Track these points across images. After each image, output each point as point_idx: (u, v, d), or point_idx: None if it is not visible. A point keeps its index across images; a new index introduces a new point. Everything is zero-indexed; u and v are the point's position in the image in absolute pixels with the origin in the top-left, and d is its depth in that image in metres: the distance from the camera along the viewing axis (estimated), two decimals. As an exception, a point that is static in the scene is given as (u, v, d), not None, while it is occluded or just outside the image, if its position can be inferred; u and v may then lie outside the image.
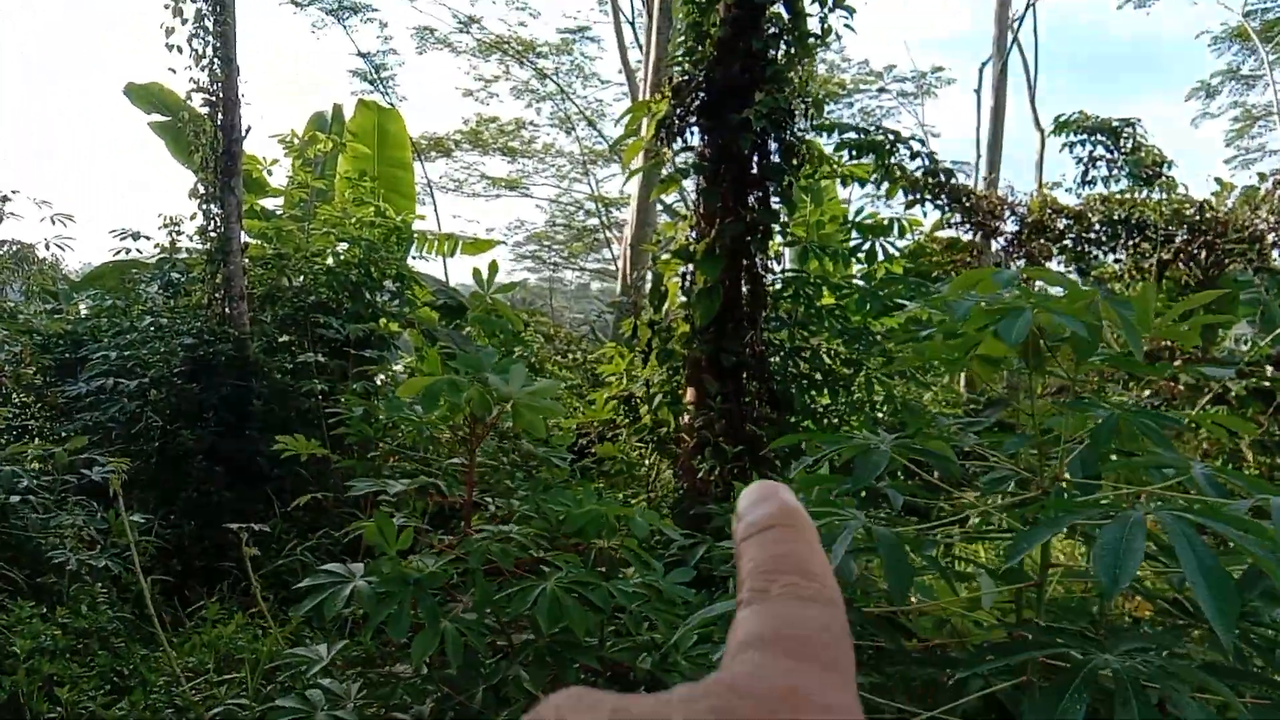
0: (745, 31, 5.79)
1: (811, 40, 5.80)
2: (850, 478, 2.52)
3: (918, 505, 2.62)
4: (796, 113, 5.86)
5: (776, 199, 5.91)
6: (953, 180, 6.38)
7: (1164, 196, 6.97)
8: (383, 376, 8.55)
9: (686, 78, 5.98)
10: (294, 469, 6.91)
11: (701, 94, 5.89)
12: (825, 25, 5.80)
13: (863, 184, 6.16)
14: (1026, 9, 17.25)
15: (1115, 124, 9.06)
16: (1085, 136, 9.24)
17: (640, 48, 18.44)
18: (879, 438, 2.01)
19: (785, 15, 5.88)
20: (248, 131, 8.31)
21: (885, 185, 6.40)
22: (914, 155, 6.16)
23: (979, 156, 16.55)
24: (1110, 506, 1.44)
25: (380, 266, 9.16)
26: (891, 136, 6.10)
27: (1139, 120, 9.19)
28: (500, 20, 22.64)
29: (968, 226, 6.59)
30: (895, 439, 2.00)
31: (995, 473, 2.16)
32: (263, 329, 8.20)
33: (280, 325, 8.45)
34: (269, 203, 10.90)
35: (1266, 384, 4.73)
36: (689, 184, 6.29)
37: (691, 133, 6.07)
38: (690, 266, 5.85)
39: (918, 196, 6.27)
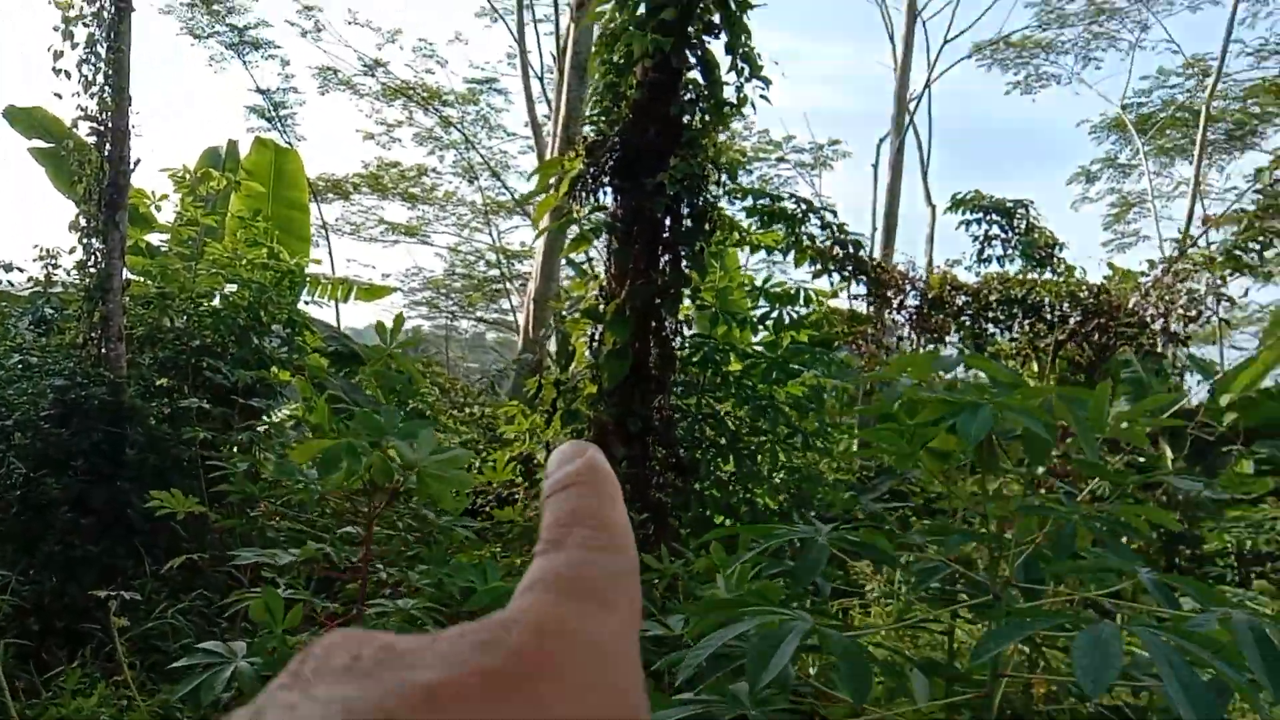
0: (662, 95, 5.79)
1: (727, 109, 5.83)
2: (769, 561, 2.41)
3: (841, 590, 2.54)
4: (710, 178, 5.86)
5: (687, 263, 5.88)
6: (860, 252, 6.48)
7: (1057, 278, 7.20)
8: (266, 425, 8.17)
9: (601, 138, 5.93)
10: (168, 523, 6.48)
11: (616, 154, 5.85)
12: (741, 94, 5.84)
13: (769, 251, 6.19)
14: (924, 90, 17.99)
15: (1009, 204, 9.40)
16: (980, 215, 9.53)
17: (548, 103, 18.50)
18: (814, 529, 1.91)
19: (702, 82, 5.90)
20: (137, 164, 7.92)
21: (792, 254, 6.44)
22: (824, 225, 6.23)
23: (874, 229, 17.04)
24: (1069, 616, 1.37)
25: (271, 310, 8.81)
26: (804, 206, 6.17)
27: (1031, 202, 9.55)
28: (407, 66, 22.47)
29: (871, 298, 6.69)
30: (831, 530, 1.91)
31: (924, 563, 2.09)
32: (140, 372, 7.74)
33: (160, 368, 8.00)
34: (154, 238, 10.43)
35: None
36: (599, 243, 6.22)
37: (604, 192, 6.02)
38: (599, 327, 5.75)
39: (824, 266, 6.34)
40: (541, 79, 17.90)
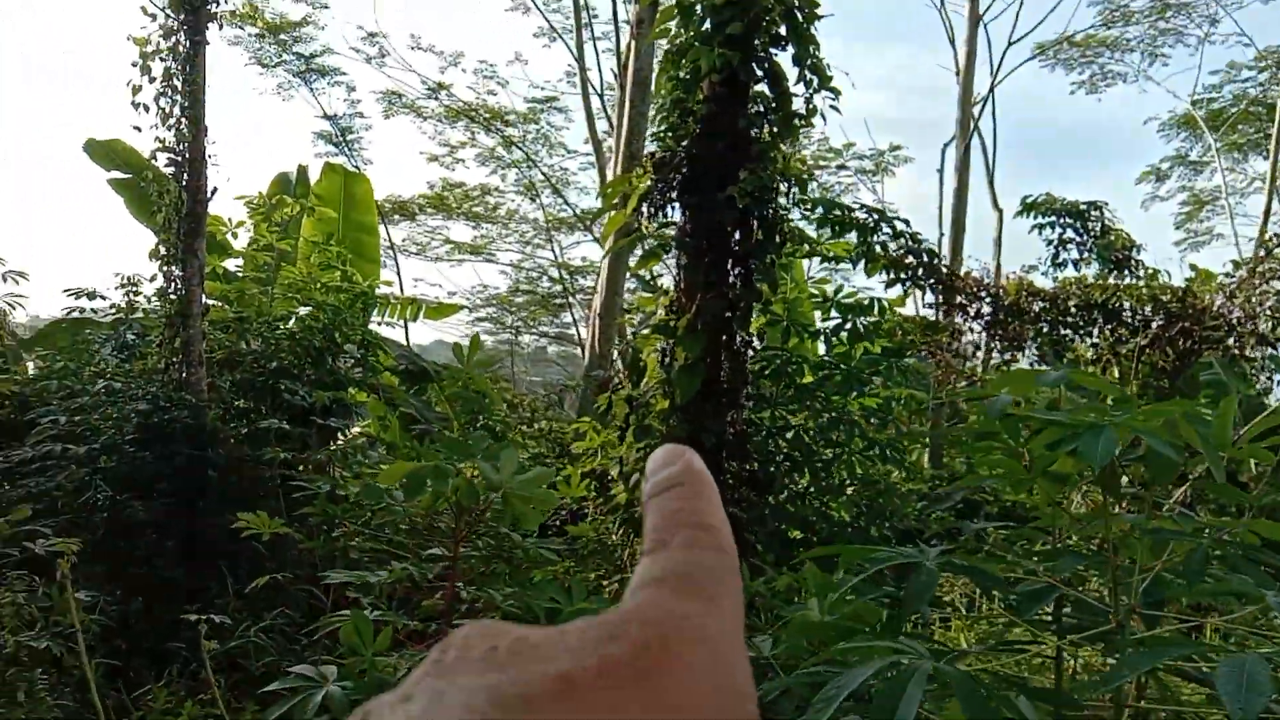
0: (730, 109, 5.77)
1: (796, 121, 5.79)
2: (863, 583, 2.38)
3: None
4: (779, 190, 5.82)
5: (757, 276, 5.84)
6: (935, 261, 6.38)
7: (1137, 281, 7.01)
8: (343, 444, 8.29)
9: (669, 153, 5.93)
10: (250, 543, 6.60)
11: (684, 169, 5.84)
12: (810, 106, 5.80)
13: (840, 262, 6.12)
14: (989, 93, 17.72)
15: (1082, 206, 9.18)
16: (1054, 219, 9.33)
17: (609, 119, 18.59)
18: (922, 553, 1.87)
19: (770, 94, 5.87)
20: (213, 193, 8.12)
21: (862, 263, 6.37)
22: (896, 235, 6.15)
23: (941, 234, 16.78)
24: (1202, 646, 1.32)
25: (345, 332, 8.96)
26: (875, 216, 6.10)
27: (1105, 204, 9.32)
28: (469, 88, 22.78)
29: (945, 306, 6.58)
30: (939, 555, 1.86)
31: (1028, 585, 2.02)
32: (220, 395, 7.92)
33: (239, 391, 8.18)
34: (231, 264, 10.68)
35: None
36: (667, 258, 6.21)
37: (673, 207, 6.01)
38: (670, 342, 5.73)
39: (897, 275, 6.25)
40: (601, 96, 18.03)
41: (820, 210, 6.07)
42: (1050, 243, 9.24)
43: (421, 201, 23.17)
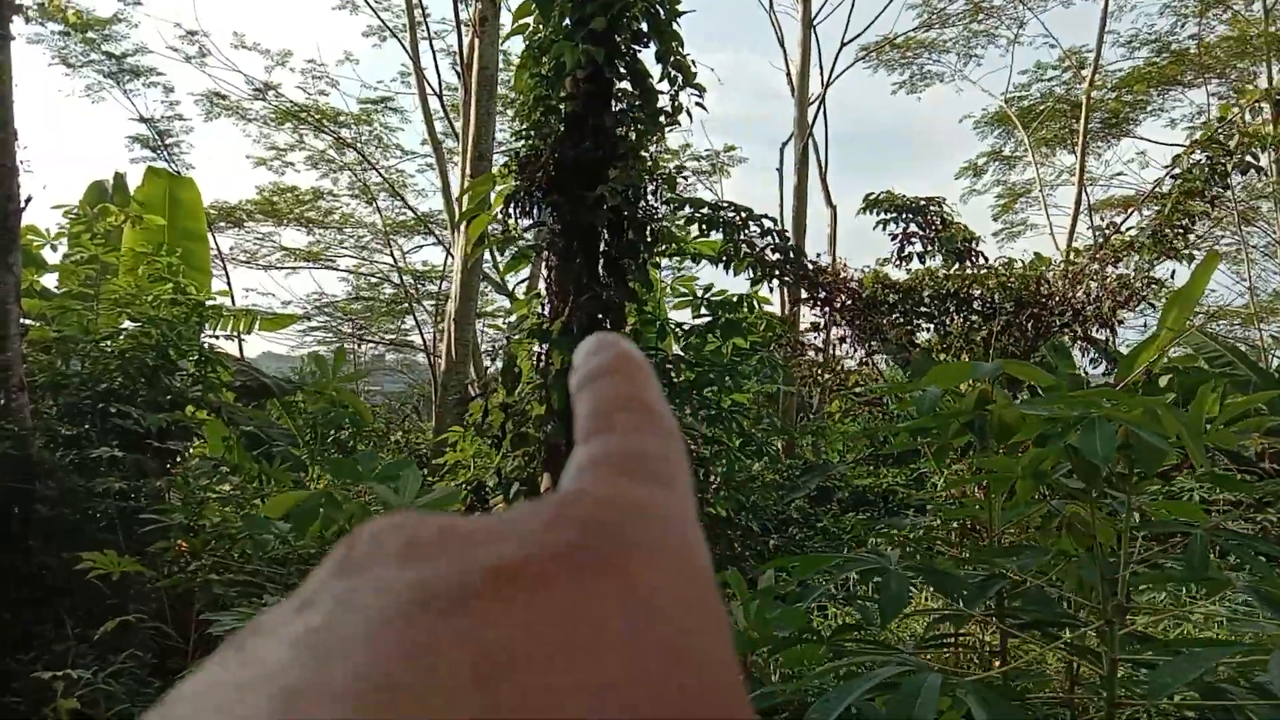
0: (595, 107, 5.66)
1: (662, 118, 5.73)
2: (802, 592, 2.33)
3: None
4: (648, 189, 5.75)
5: (631, 276, 5.75)
6: (801, 257, 6.45)
7: (983, 270, 7.30)
8: (182, 469, 7.74)
9: (534, 153, 5.77)
10: (89, 582, 6.05)
11: (551, 169, 5.69)
12: (675, 103, 5.75)
13: (710, 260, 6.12)
14: (823, 93, 18.24)
15: (921, 202, 9.52)
16: (895, 214, 9.63)
17: (447, 119, 18.16)
18: (884, 559, 1.80)
19: (634, 91, 5.79)
20: (28, 202, 7.43)
21: (729, 261, 6.38)
22: (765, 232, 6.18)
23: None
24: (1232, 646, 1.29)
25: (180, 348, 8.38)
26: (744, 214, 6.11)
27: (943, 200, 9.70)
28: (299, 89, 21.73)
29: (811, 301, 6.68)
30: (901, 561, 1.80)
31: (975, 576, 2.00)
32: (46, 422, 7.24)
33: (65, 416, 7.50)
34: (47, 279, 9.82)
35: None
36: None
37: (539, 208, 5.85)
38: (545, 346, 5.57)
39: (764, 273, 6.29)
40: (441, 96, 17.58)
41: (688, 209, 6.04)
42: (895, 237, 9.51)
43: (250, 207, 22.03)
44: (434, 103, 17.75)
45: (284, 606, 0.23)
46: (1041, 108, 25.89)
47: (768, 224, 6.21)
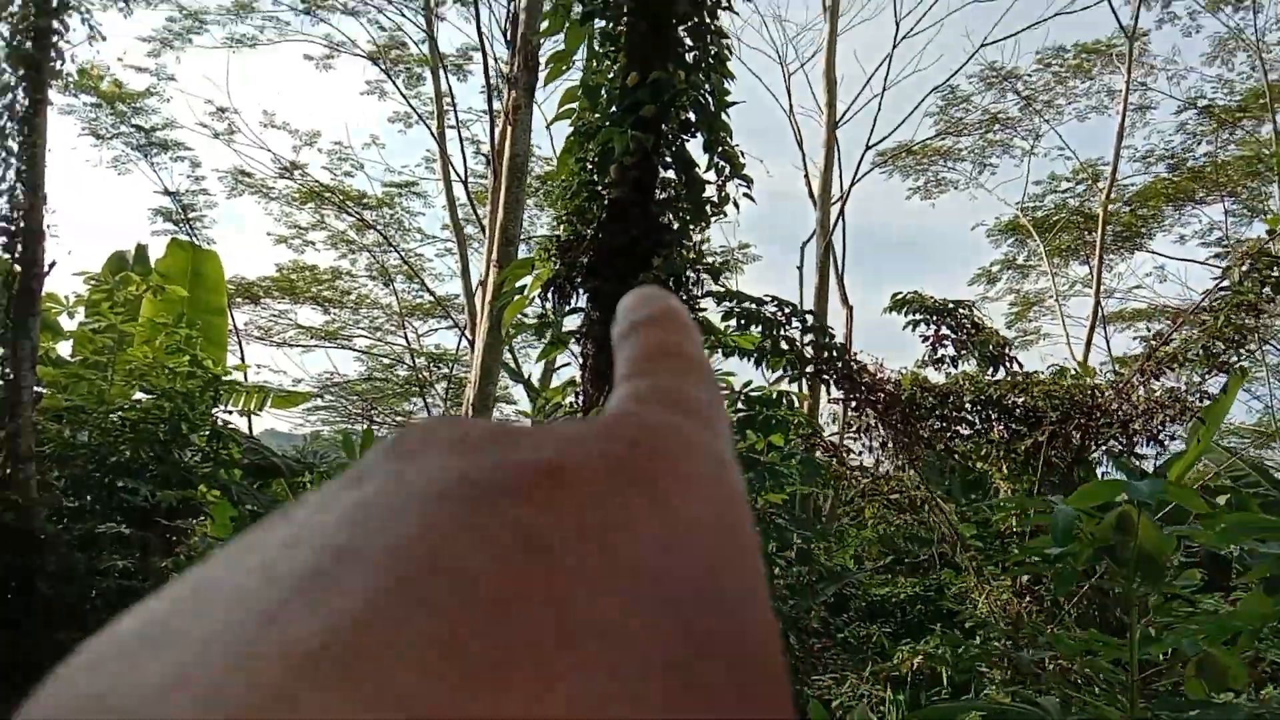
0: (641, 194, 5.54)
1: (708, 207, 5.61)
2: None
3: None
4: (690, 280, 5.61)
5: (668, 368, 5.56)
6: (846, 356, 6.28)
7: (1025, 377, 7.11)
8: (188, 551, 7.48)
9: (575, 237, 5.64)
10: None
11: (592, 255, 5.55)
12: (723, 194, 5.64)
13: (749, 356, 5.95)
14: (845, 195, 18.39)
15: (950, 305, 9.39)
16: (926, 316, 9.49)
17: (471, 205, 18.28)
18: (1042, 709, 1.56)
19: (680, 180, 5.69)
20: (51, 267, 7.32)
21: (767, 358, 6.20)
22: (807, 329, 6.02)
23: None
24: None
25: (193, 422, 8.18)
26: (788, 309, 5.96)
27: (973, 303, 9.58)
28: (325, 169, 22.02)
29: (852, 400, 6.48)
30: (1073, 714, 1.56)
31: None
32: (52, 495, 7.00)
33: (73, 488, 7.27)
34: (61, 347, 9.68)
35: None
36: (574, 347, 5.87)
37: (578, 294, 5.69)
38: (579, 437, 5.34)
39: (802, 370, 6.12)
40: (466, 182, 17.71)
41: (729, 301, 5.90)
42: (926, 339, 9.35)
43: (268, 284, 22.05)
44: (457, 189, 17.89)
45: (332, 483, 0.22)
46: (1055, 219, 26.04)
47: (810, 320, 6.05)
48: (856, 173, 19.83)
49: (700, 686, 0.19)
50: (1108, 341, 25.53)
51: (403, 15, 18.84)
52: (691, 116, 5.75)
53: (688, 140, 5.75)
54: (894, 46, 19.33)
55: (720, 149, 5.66)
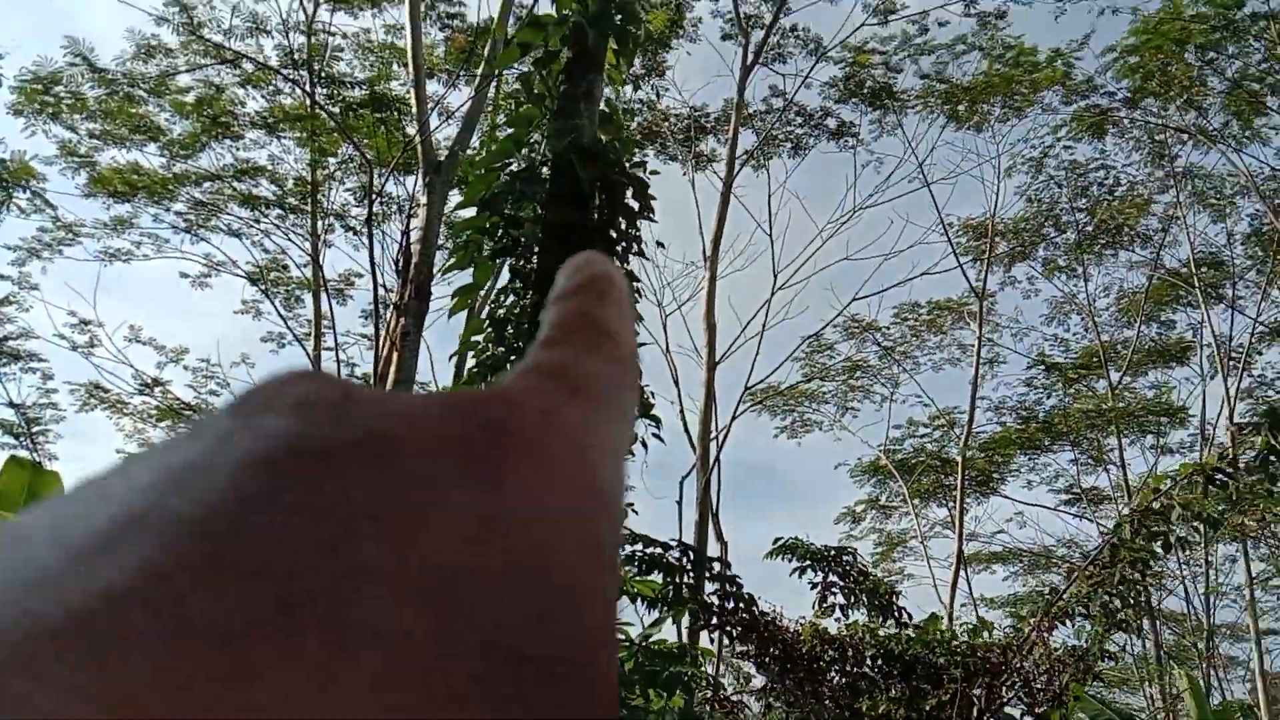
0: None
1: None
2: None
3: None
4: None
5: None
6: (754, 608, 6.01)
7: (930, 631, 6.97)
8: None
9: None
10: None
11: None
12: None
13: (649, 602, 5.63)
14: (726, 433, 18.63)
15: (831, 552, 9.34)
16: (809, 562, 9.40)
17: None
18: None
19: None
20: None
21: (668, 606, 5.90)
22: (714, 577, 5.76)
23: (679, 566, 16.72)
24: None
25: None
26: (689, 554, 5.71)
27: (855, 550, 9.57)
28: (189, 386, 21.08)
29: (758, 656, 6.16)
30: None
31: None
32: None
33: None
34: None
35: None
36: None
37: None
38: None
39: (705, 620, 5.81)
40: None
41: (633, 545, 5.63)
42: (814, 585, 9.23)
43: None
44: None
45: (181, 435, 0.22)
46: (914, 461, 26.97)
47: (717, 568, 5.80)
48: (736, 411, 20.26)
49: (496, 703, 0.17)
50: (969, 583, 25.97)
51: (289, 239, 18.79)
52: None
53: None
54: (771, 295, 20.24)
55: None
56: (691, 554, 5.73)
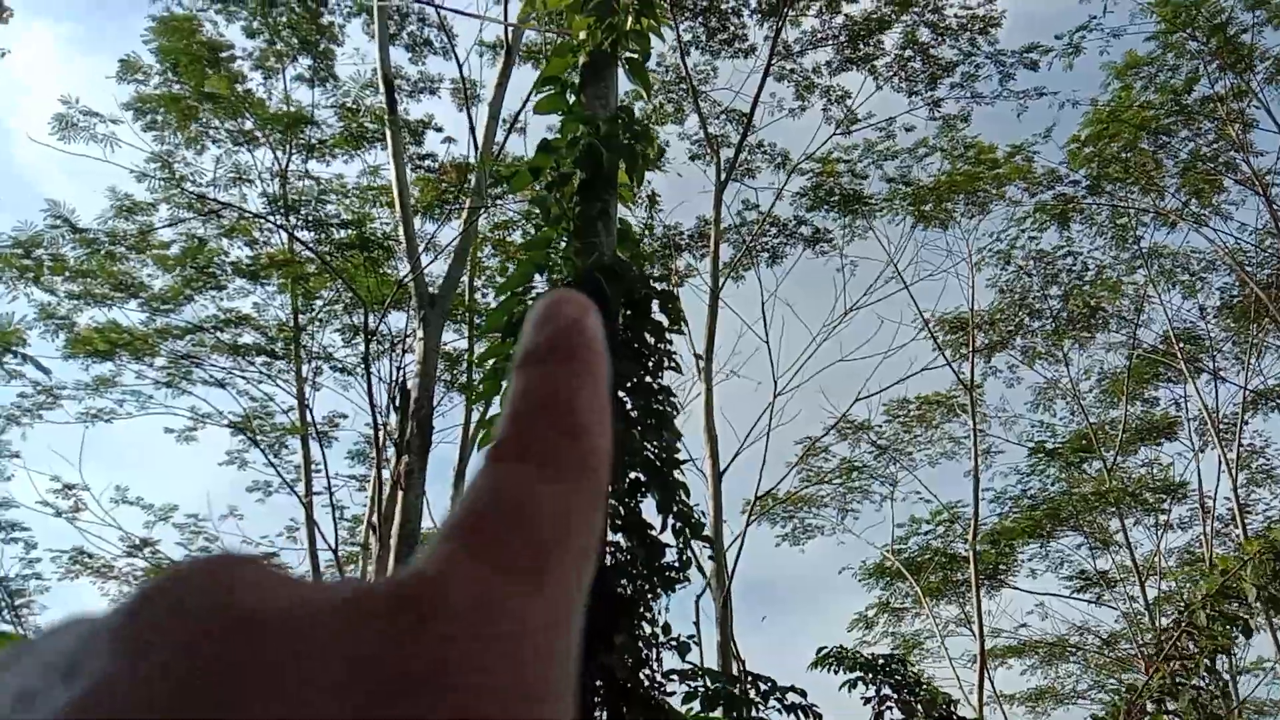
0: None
1: (670, 573, 5.16)
2: None
3: None
4: (652, 658, 5.02)
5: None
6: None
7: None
8: None
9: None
10: None
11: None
12: (684, 557, 5.22)
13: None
14: (741, 544, 18.20)
15: (880, 661, 8.92)
16: (860, 674, 8.99)
17: (340, 574, 17.11)
18: None
19: (633, 543, 5.27)
20: None
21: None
22: (791, 708, 5.38)
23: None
24: None
25: None
26: (764, 684, 5.35)
27: (904, 657, 9.15)
28: (178, 544, 20.37)
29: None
30: None
31: None
32: None
33: None
34: None
35: None
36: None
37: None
38: None
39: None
40: (336, 550, 16.69)
41: (697, 681, 5.27)
42: (867, 700, 8.80)
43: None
44: (326, 556, 16.85)
45: (51, 637, 0.21)
46: (921, 559, 26.43)
47: (794, 698, 5.42)
48: (748, 523, 19.81)
49: None
50: (992, 682, 25.19)
51: (276, 385, 18.52)
52: (641, 477, 5.43)
53: (640, 501, 5.39)
54: (772, 400, 20.00)
55: (676, 508, 5.30)
56: (763, 683, 5.37)
